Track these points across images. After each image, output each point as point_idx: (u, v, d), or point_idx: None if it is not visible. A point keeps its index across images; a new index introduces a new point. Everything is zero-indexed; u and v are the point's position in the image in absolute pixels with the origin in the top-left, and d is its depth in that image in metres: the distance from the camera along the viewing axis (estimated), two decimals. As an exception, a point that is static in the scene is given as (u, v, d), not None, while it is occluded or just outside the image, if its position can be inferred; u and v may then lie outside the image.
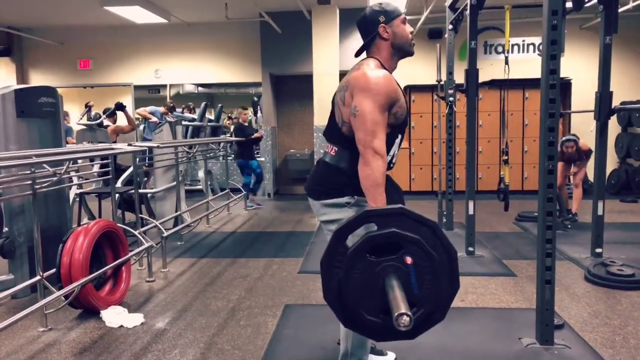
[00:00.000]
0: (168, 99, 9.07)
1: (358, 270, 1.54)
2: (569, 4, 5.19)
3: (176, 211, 5.47)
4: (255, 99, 9.45)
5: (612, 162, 8.37)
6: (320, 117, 6.40)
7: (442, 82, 5.69)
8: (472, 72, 4.36)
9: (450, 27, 5.22)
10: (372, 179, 1.81)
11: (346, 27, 7.16)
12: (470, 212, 4.55)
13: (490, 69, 7.37)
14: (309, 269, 4.27)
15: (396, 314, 1.34)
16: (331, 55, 6.31)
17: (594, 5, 5.02)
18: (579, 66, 8.09)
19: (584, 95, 7.45)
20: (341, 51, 6.81)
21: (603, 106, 4.23)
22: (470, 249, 4.56)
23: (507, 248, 4.92)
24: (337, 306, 1.62)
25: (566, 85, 7.93)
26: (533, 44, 7.31)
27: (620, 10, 6.79)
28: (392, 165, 2.06)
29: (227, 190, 6.99)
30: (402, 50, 2.03)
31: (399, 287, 1.49)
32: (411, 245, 1.52)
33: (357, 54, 2.16)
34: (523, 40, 8.14)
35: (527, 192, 8.04)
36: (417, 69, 8.47)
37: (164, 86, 9.38)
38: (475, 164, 7.57)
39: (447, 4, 5.17)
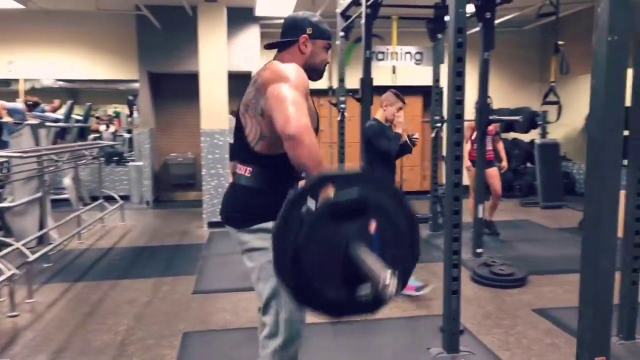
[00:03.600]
0: (22, 94, 7.93)
1: (318, 238, 1.36)
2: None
3: (41, 228, 4.76)
4: (130, 97, 8.68)
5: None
6: (208, 119, 6.04)
7: (333, 88, 5.73)
8: (366, 81, 4.40)
9: (342, 34, 5.24)
10: (310, 157, 1.53)
11: (233, 26, 6.86)
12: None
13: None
14: (205, 288, 3.96)
15: (382, 284, 1.18)
16: (219, 54, 5.98)
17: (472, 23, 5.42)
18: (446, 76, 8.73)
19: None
20: (228, 51, 6.50)
21: (482, 117, 4.55)
22: (366, 255, 4.61)
23: (398, 252, 5.07)
24: (290, 282, 1.41)
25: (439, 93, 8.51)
26: (410, 53, 7.70)
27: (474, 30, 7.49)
28: None
29: (100, 201, 6.29)
30: (310, 72, 1.88)
31: (372, 254, 1.33)
32: (376, 210, 1.37)
33: (268, 47, 2.00)
34: (401, 49, 8.58)
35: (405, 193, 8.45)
36: (303, 73, 8.46)
37: (16, 80, 8.17)
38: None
39: (339, 10, 5.19)
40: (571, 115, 7.50)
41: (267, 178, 1.81)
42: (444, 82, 5.95)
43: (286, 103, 1.60)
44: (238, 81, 6.35)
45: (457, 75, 2.61)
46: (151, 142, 7.93)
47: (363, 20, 4.34)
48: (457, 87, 2.62)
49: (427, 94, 8.18)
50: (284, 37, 1.89)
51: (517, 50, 8.71)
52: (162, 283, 4.11)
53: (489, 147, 5.38)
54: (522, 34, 8.69)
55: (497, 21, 7.24)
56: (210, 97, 6.00)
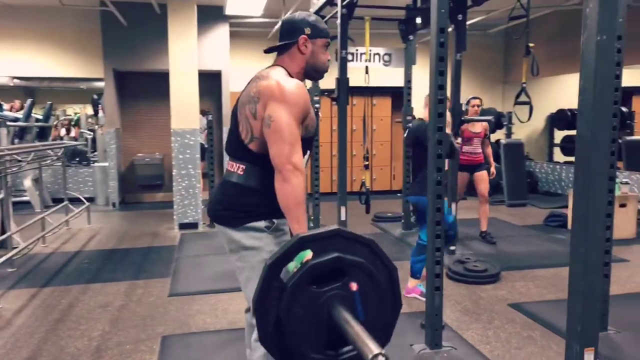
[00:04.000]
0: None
1: (300, 305, 1.35)
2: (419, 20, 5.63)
3: (3, 232, 4.55)
4: (95, 96, 8.41)
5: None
6: (179, 119, 5.91)
7: (307, 88, 5.71)
8: (342, 81, 4.41)
9: (315, 33, 5.23)
10: (293, 197, 1.65)
11: (202, 25, 6.75)
12: (342, 218, 4.61)
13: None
14: (181, 291, 3.87)
15: (371, 357, 1.18)
16: (189, 53, 5.86)
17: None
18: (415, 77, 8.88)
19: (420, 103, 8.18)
20: (198, 50, 6.39)
21: (455, 118, 4.64)
22: (343, 254, 4.62)
23: (373, 251, 5.09)
24: (276, 350, 1.41)
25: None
26: (378, 54, 7.78)
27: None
28: None
29: (65, 203, 6.05)
30: (312, 72, 1.90)
31: (355, 320, 1.34)
32: (355, 269, 1.37)
33: (268, 51, 2.01)
34: (370, 50, 8.65)
35: (375, 192, 8.51)
36: (273, 72, 8.42)
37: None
38: (350, 167, 7.88)
39: (312, 10, 5.18)
40: (533, 115, 7.75)
41: (260, 176, 1.79)
42: (416, 83, 6.09)
43: (283, 136, 1.66)
44: (207, 80, 6.28)
45: (439, 75, 2.65)
46: (117, 142, 7.71)
47: (339, 21, 4.35)
48: (440, 86, 2.66)
49: (396, 95, 8.29)
50: (283, 40, 1.88)
51: (482, 52, 8.94)
52: (136, 286, 4.00)
53: (478, 149, 5.17)
54: (487, 37, 8.92)
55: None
56: (180, 96, 5.88)
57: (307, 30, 1.84)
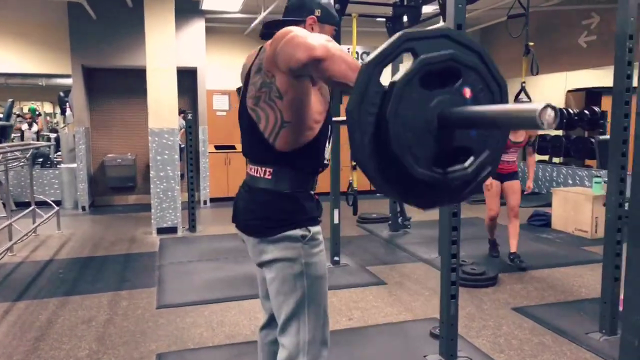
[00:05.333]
0: None
1: (408, 107, 1.13)
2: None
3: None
4: (62, 94, 7.95)
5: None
6: (157, 118, 5.60)
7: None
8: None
9: (302, 30, 5.06)
10: (350, 62, 1.31)
11: (177, 20, 6.44)
12: (336, 221, 4.47)
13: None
14: (170, 302, 3.63)
15: (540, 109, 0.97)
16: (167, 49, 5.57)
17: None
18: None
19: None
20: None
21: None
22: (336, 258, 4.48)
23: (364, 254, 4.97)
24: (373, 164, 1.18)
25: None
26: (357, 52, 7.67)
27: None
28: (327, 163, 1.71)
29: (33, 207, 5.65)
30: None
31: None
32: (470, 73, 1.16)
33: (268, 27, 1.71)
34: (348, 49, 8.52)
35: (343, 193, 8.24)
36: (250, 70, 8.18)
37: None
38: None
39: (299, 5, 5.00)
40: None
41: (291, 179, 1.61)
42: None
43: (298, 36, 1.38)
44: (182, 78, 5.99)
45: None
46: (86, 142, 7.30)
47: (332, 16, 4.18)
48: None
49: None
50: (289, 16, 1.68)
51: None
52: (119, 298, 3.72)
53: (513, 157, 4.43)
54: (465, 37, 8.92)
55: (440, 25, 7.45)
56: (158, 94, 5.58)
57: (318, 12, 1.66)
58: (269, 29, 1.70)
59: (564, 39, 7.12)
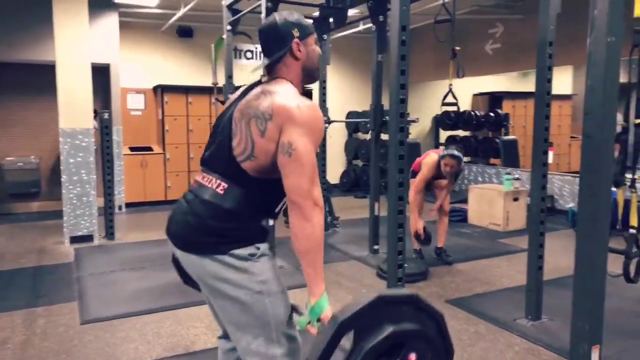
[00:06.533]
0: None
1: None
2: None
3: None
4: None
5: (342, 164, 9.51)
6: (69, 117, 5.13)
7: (219, 85, 5.39)
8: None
9: (229, 27, 4.92)
10: (314, 238, 1.46)
11: (89, 13, 5.99)
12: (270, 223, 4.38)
13: (241, 73, 7.29)
14: (96, 316, 3.34)
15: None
16: (80, 43, 5.13)
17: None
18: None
19: (335, 104, 8.19)
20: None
21: (377, 117, 4.68)
22: (270, 261, 4.40)
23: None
24: None
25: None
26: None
27: (352, 31, 7.78)
28: (277, 212, 1.66)
29: None
30: (310, 75, 1.68)
31: None
32: (415, 340, 1.35)
33: (268, 71, 1.68)
34: (255, 47, 8.44)
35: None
36: (168, 68, 7.83)
37: None
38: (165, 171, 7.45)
39: (226, 3, 4.86)
40: (421, 116, 8.18)
41: (241, 199, 1.53)
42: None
43: (304, 168, 1.46)
44: (94, 75, 5.58)
45: (401, 74, 2.58)
46: (-20, 145, 6.55)
47: (263, 14, 4.11)
48: (401, 86, 2.59)
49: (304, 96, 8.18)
50: (274, 52, 1.62)
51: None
52: (35, 315, 3.37)
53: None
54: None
55: (363, 27, 7.64)
56: (70, 91, 5.14)
57: (296, 33, 1.62)
58: (269, 72, 1.67)
59: (474, 46, 7.60)
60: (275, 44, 1.62)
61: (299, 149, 1.45)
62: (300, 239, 1.45)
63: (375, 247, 4.90)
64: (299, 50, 1.62)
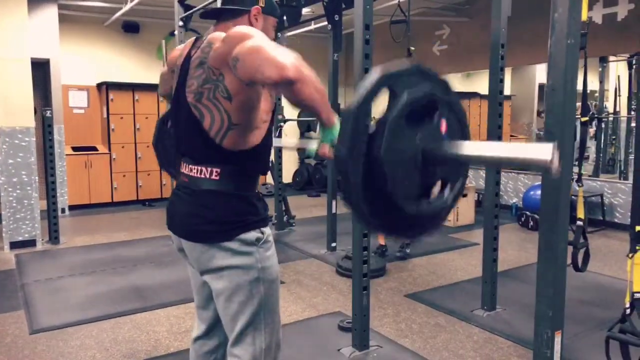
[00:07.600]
0: None
1: (397, 147, 1.17)
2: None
3: None
4: None
5: (295, 163, 9.51)
6: (7, 116, 4.80)
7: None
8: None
9: (181, 23, 4.80)
10: (320, 89, 1.30)
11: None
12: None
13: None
14: (47, 325, 3.16)
15: (550, 157, 1.02)
16: (18, 35, 4.83)
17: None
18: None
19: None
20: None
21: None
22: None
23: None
24: (363, 204, 1.20)
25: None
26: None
27: (304, 29, 7.79)
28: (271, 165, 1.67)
29: None
30: None
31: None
32: (445, 107, 1.24)
33: (205, 16, 1.65)
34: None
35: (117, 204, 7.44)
36: (113, 65, 7.52)
37: None
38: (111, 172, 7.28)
39: (178, -2, 4.74)
40: (375, 114, 8.35)
41: (240, 179, 1.53)
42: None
43: (268, 49, 1.29)
44: (33, 70, 5.28)
45: (365, 73, 2.61)
46: None
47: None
48: (365, 84, 2.62)
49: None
50: (232, 4, 1.55)
51: (325, 54, 9.29)
52: (-22, 327, 3.15)
53: None
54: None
55: (315, 26, 7.67)
56: (8, 88, 4.84)
57: (262, 3, 1.58)
58: (207, 16, 1.62)
59: (422, 47, 7.81)
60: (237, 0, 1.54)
61: (248, 47, 1.32)
62: (312, 101, 1.29)
63: (333, 244, 4.93)
64: (256, 19, 1.56)
